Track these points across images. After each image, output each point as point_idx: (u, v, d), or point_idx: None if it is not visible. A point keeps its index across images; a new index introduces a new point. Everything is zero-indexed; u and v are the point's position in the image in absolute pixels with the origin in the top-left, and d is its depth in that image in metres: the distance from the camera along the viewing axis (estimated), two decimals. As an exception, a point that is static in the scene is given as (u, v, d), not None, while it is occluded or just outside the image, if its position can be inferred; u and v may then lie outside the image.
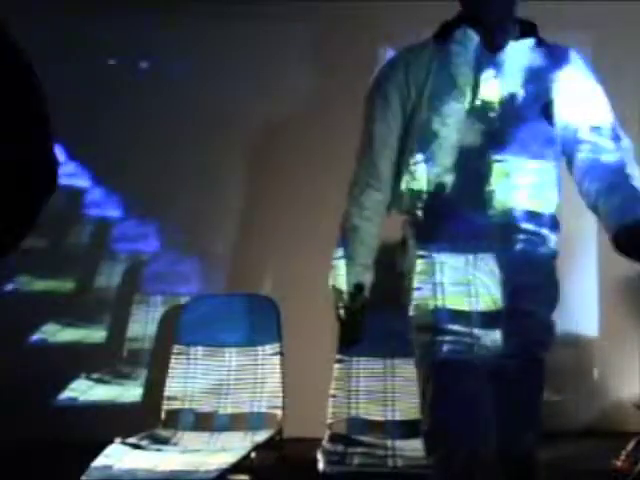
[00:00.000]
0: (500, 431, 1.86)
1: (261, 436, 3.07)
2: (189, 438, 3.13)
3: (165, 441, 3.05)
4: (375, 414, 3.19)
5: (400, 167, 2.01)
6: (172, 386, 3.30)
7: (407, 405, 3.15)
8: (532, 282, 1.90)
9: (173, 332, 3.45)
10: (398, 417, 3.15)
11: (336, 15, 3.91)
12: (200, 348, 3.37)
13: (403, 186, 1.99)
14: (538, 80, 1.94)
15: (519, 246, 1.89)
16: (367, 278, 2.02)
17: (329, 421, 3.14)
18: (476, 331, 1.86)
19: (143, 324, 4.03)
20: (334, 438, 3.05)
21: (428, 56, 1.97)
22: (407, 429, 3.08)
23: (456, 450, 1.83)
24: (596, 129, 1.90)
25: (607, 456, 3.42)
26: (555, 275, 1.98)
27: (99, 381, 4.01)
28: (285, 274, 3.87)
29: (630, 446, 3.42)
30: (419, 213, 1.96)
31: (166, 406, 3.26)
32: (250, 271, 4.00)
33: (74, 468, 2.57)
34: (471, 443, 1.83)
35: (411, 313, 1.95)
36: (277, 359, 3.29)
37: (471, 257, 1.88)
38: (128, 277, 4.10)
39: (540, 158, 1.91)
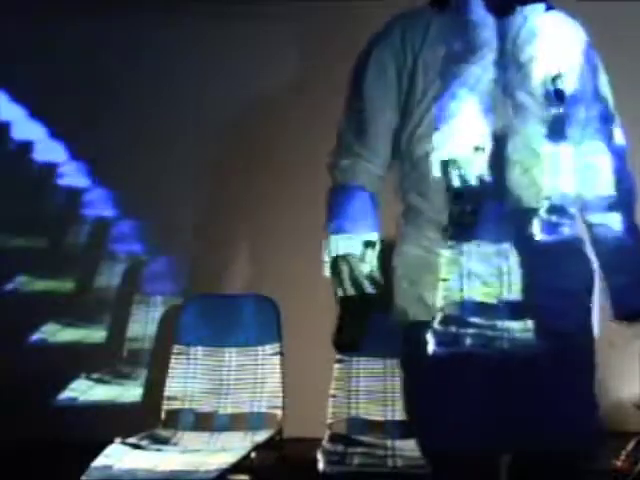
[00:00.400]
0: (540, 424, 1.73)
1: (261, 436, 3.07)
2: (189, 438, 3.13)
3: (165, 441, 3.06)
4: (375, 414, 3.19)
5: (397, 144, 1.87)
6: (172, 386, 3.30)
7: (407, 405, 3.14)
8: (559, 267, 1.80)
9: (173, 332, 3.45)
10: (398, 417, 3.15)
11: (336, 15, 3.91)
12: (200, 348, 3.37)
13: (406, 168, 1.86)
14: (547, 50, 1.82)
15: (545, 232, 1.78)
16: (376, 246, 1.84)
17: (329, 421, 3.15)
18: (503, 323, 1.74)
19: (143, 324, 4.03)
20: (334, 438, 3.05)
21: (425, 22, 1.83)
22: (407, 429, 3.08)
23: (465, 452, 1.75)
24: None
25: (607, 456, 3.42)
26: (585, 257, 1.87)
27: (99, 381, 4.01)
28: (285, 274, 3.86)
29: (630, 446, 3.42)
30: (426, 197, 1.82)
31: (166, 406, 3.26)
32: (250, 271, 3.99)
33: (74, 468, 2.57)
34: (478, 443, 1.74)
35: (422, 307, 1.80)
36: (277, 359, 3.29)
37: (497, 245, 1.76)
38: (128, 277, 4.09)
39: (557, 137, 1.80)
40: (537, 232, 1.77)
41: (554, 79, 1.79)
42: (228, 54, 3.98)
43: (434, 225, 1.82)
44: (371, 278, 1.80)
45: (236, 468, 2.77)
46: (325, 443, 2.98)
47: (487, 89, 1.78)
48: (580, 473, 1.84)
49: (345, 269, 1.81)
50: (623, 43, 3.60)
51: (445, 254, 1.78)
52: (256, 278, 3.95)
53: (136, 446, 2.87)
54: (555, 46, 1.84)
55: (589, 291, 1.86)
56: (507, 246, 1.76)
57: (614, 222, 1.87)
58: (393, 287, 1.88)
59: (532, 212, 1.78)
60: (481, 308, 1.74)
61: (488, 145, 1.77)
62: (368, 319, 1.81)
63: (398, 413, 3.16)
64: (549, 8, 1.86)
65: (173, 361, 3.34)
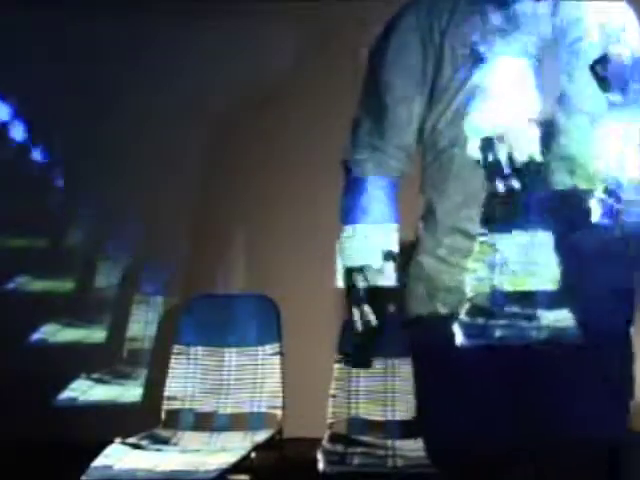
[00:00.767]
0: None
1: (261, 436, 3.07)
2: (189, 438, 3.13)
3: (165, 441, 3.06)
4: (375, 414, 3.19)
5: (421, 134, 1.74)
6: (172, 386, 3.30)
7: (407, 405, 3.14)
8: (603, 259, 1.66)
9: (173, 332, 3.45)
10: (398, 417, 3.15)
11: (336, 15, 3.91)
12: (200, 348, 3.37)
13: (428, 159, 1.74)
14: (595, 25, 1.68)
15: (595, 220, 1.65)
16: (394, 250, 1.72)
17: (329, 421, 3.14)
18: (535, 315, 1.62)
19: (143, 324, 4.02)
20: (334, 438, 3.05)
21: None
22: (407, 429, 3.08)
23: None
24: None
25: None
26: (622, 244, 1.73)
27: (99, 381, 4.01)
28: (285, 274, 3.86)
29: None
30: (443, 194, 1.71)
31: (166, 406, 3.26)
32: (250, 271, 3.99)
33: (74, 468, 2.57)
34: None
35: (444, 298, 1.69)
36: (277, 359, 3.29)
37: (534, 233, 1.63)
38: (128, 277, 4.09)
39: (606, 117, 1.67)
40: (584, 221, 1.64)
41: (602, 58, 1.66)
42: (228, 54, 3.98)
43: (447, 229, 1.71)
44: (390, 295, 1.67)
45: (236, 468, 2.77)
46: (325, 443, 2.98)
47: (529, 64, 1.64)
48: (608, 472, 1.72)
49: (362, 285, 1.68)
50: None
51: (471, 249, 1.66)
52: (256, 278, 3.95)
53: (136, 446, 2.88)
54: (604, 21, 1.70)
55: (631, 288, 1.73)
56: (545, 235, 1.63)
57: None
58: (407, 289, 1.78)
59: (580, 198, 1.65)
60: (512, 299, 1.63)
61: (532, 124, 1.63)
62: (382, 334, 1.71)
63: (398, 413, 3.16)
64: None
65: (173, 361, 3.34)
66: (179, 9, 3.91)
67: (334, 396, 3.20)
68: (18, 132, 4.07)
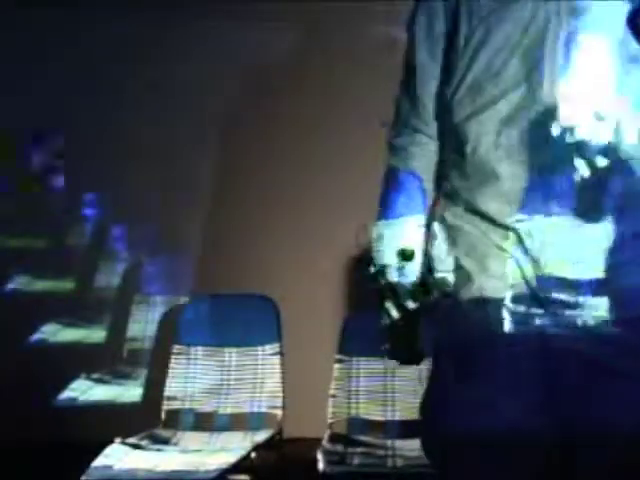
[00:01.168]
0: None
1: (261, 436, 3.07)
2: (189, 438, 3.13)
3: (165, 441, 3.06)
4: (375, 414, 3.19)
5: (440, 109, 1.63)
6: (172, 386, 3.30)
7: (407, 405, 3.15)
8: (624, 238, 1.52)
9: (173, 332, 3.45)
10: (398, 417, 3.15)
11: (337, 15, 3.91)
12: (200, 348, 3.37)
13: (445, 136, 1.63)
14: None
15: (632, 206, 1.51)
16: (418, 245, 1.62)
17: (329, 421, 3.14)
18: (577, 303, 1.49)
19: (143, 324, 4.03)
20: (334, 438, 3.05)
21: None
22: (407, 429, 3.08)
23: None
24: None
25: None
26: None
27: (99, 381, 4.01)
28: (285, 274, 3.86)
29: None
30: (464, 175, 1.58)
31: (166, 406, 3.26)
32: (250, 271, 3.99)
33: (74, 468, 2.57)
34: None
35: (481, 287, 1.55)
36: (277, 359, 3.29)
37: (577, 215, 1.49)
38: (128, 277, 4.09)
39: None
40: (631, 206, 1.51)
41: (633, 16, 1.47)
42: (228, 54, 3.98)
43: (470, 212, 1.57)
44: (414, 292, 1.59)
45: (236, 468, 2.77)
46: (325, 443, 2.98)
47: (544, 32, 1.51)
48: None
49: (384, 284, 1.62)
50: None
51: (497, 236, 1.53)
52: (256, 278, 3.95)
53: (136, 446, 2.88)
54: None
55: None
56: (589, 216, 1.50)
57: None
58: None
59: (622, 176, 1.51)
60: (554, 285, 1.50)
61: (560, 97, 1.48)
62: (419, 328, 1.62)
63: (398, 413, 3.16)
64: None
65: (173, 361, 3.34)
66: (181, 9, 3.91)
67: (334, 396, 3.20)
68: (18, 132, 4.07)
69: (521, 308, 1.52)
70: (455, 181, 1.61)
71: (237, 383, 3.32)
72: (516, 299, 1.53)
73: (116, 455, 2.74)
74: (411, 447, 2.91)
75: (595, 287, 1.51)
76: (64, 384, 3.96)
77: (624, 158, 1.49)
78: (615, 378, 1.50)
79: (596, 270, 1.50)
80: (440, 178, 1.66)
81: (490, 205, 1.54)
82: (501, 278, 1.53)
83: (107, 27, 3.91)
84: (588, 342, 1.50)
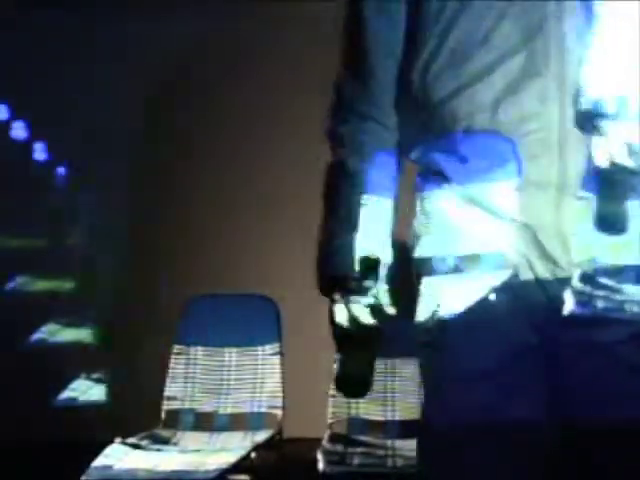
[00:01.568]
0: None
1: (261, 436, 3.07)
2: (189, 438, 3.13)
3: (165, 441, 3.06)
4: (375, 414, 3.19)
5: (404, 88, 1.33)
6: (172, 386, 3.30)
7: (407, 405, 3.15)
8: None
9: (173, 332, 3.45)
10: (398, 417, 3.15)
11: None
12: (200, 348, 3.37)
13: (421, 117, 1.32)
14: None
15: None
16: (385, 260, 1.36)
17: (329, 421, 3.14)
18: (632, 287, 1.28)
19: (143, 324, 4.03)
20: (334, 438, 3.05)
21: None
22: (407, 429, 3.08)
23: None
24: None
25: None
26: None
27: (99, 381, 4.02)
28: (285, 274, 3.86)
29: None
30: (455, 156, 1.28)
31: (166, 406, 3.26)
32: (250, 271, 4.00)
33: (74, 468, 2.57)
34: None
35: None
36: (277, 359, 3.29)
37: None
38: (128, 277, 4.10)
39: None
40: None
41: None
42: (229, 54, 3.99)
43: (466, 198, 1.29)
44: (374, 310, 1.32)
45: (236, 468, 2.76)
46: (325, 443, 2.98)
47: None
48: None
49: (340, 298, 1.34)
50: None
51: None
52: (256, 278, 3.95)
53: (136, 446, 2.87)
54: None
55: None
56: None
57: None
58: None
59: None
60: (612, 270, 1.29)
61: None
62: (374, 356, 1.35)
63: (398, 413, 3.16)
64: None
65: (173, 361, 3.34)
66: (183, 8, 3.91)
67: (334, 396, 3.19)
68: (17, 132, 4.07)
69: (586, 289, 1.27)
70: (447, 166, 1.30)
71: (237, 383, 3.32)
72: (582, 280, 1.28)
73: (116, 455, 2.74)
74: (411, 447, 2.91)
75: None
76: (64, 384, 3.96)
77: None
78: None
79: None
80: (425, 168, 1.36)
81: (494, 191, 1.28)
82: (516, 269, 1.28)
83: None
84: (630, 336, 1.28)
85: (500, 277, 1.27)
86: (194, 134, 4.00)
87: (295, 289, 3.66)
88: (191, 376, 3.33)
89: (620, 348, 1.29)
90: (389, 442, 3.06)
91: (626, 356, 1.30)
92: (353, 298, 1.32)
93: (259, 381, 3.30)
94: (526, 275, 1.27)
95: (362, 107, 1.37)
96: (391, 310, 1.36)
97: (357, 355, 1.34)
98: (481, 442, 1.28)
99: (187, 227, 4.05)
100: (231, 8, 3.84)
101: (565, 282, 1.27)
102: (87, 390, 3.99)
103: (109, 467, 2.64)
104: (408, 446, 2.94)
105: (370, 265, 1.33)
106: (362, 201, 1.38)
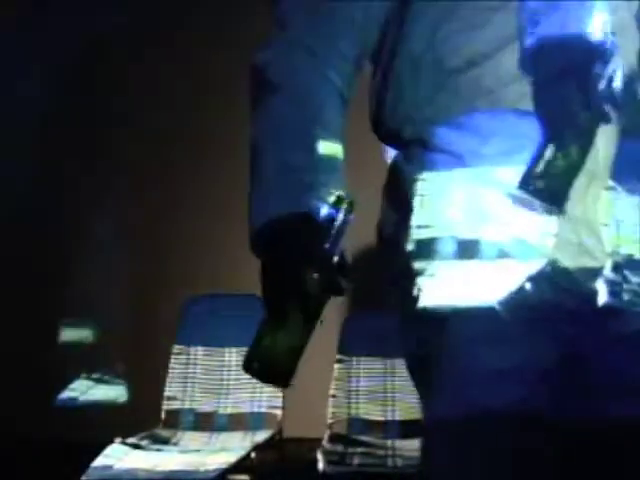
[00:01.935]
0: None
1: (261, 436, 3.07)
2: (189, 438, 3.13)
3: (165, 441, 3.06)
4: (375, 414, 3.19)
5: (399, 52, 1.14)
6: (172, 386, 3.30)
7: (407, 405, 3.15)
8: None
9: (173, 332, 3.45)
10: (398, 417, 3.15)
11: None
12: (200, 348, 3.37)
13: (425, 89, 1.12)
14: None
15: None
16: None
17: (329, 421, 3.15)
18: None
19: (143, 324, 4.02)
20: (334, 438, 3.05)
21: None
22: (407, 429, 3.08)
23: None
24: None
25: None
26: None
27: (99, 381, 4.01)
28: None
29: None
30: (472, 131, 1.10)
31: (166, 406, 3.26)
32: (250, 271, 3.99)
33: (74, 468, 2.57)
34: None
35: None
36: (277, 359, 3.29)
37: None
38: (128, 277, 4.09)
39: None
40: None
41: None
42: (229, 53, 3.99)
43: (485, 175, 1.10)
44: (336, 267, 1.05)
45: (236, 468, 2.76)
46: (325, 443, 2.98)
47: None
48: None
49: (281, 250, 1.08)
50: None
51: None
52: (256, 278, 3.95)
53: (136, 446, 2.88)
54: None
55: None
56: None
57: None
58: None
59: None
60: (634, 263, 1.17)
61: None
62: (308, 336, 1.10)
63: (398, 413, 3.16)
64: None
65: (173, 361, 3.34)
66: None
67: (334, 396, 3.20)
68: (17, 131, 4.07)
69: (619, 279, 1.17)
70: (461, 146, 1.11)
71: (237, 383, 3.32)
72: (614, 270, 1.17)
73: (116, 455, 2.74)
74: (411, 447, 2.91)
75: None
76: (64, 384, 3.96)
77: None
78: None
79: None
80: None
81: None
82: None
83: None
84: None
85: (527, 266, 1.12)
86: (194, 134, 4.00)
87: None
88: (191, 376, 3.33)
89: None
90: (389, 442, 3.06)
91: None
92: (301, 244, 1.03)
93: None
94: (557, 264, 1.14)
95: (309, 41, 1.13)
96: (346, 285, 1.11)
97: (290, 330, 1.07)
98: (497, 440, 1.15)
99: (187, 227, 4.04)
100: None
101: (598, 272, 1.15)
102: (87, 390, 3.99)
103: (109, 467, 2.64)
104: (408, 446, 2.95)
105: (338, 202, 1.01)
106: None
